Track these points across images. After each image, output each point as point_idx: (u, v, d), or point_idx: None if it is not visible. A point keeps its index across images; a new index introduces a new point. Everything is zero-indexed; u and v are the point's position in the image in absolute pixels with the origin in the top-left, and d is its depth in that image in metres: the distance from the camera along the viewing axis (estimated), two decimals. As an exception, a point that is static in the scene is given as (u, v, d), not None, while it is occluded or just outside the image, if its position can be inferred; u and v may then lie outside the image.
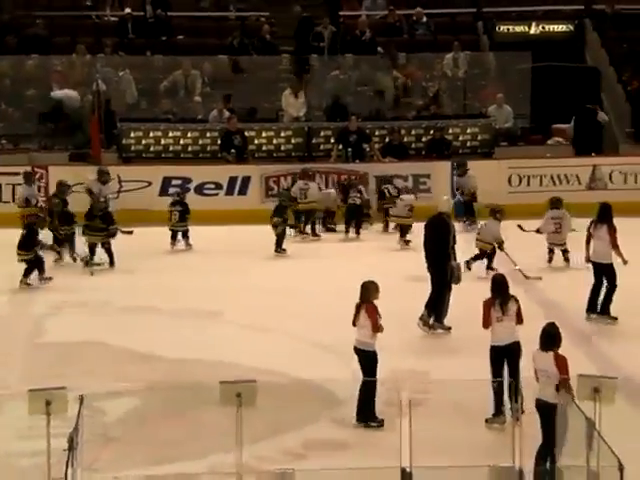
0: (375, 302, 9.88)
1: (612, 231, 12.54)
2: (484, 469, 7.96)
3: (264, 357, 11.12)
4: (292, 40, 21.78)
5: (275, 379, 10.35)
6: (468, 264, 14.44)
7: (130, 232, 15.90)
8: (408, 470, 7.83)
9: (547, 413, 8.20)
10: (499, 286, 9.66)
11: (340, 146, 19.32)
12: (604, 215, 12.69)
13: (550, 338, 8.40)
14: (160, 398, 10.16)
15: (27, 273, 14.20)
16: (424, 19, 22.21)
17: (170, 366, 11.11)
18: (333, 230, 17.80)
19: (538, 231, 15.44)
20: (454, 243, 12.24)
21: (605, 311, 12.45)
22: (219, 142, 19.33)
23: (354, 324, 9.86)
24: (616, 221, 17.37)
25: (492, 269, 14.38)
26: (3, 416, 9.82)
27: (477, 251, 14.90)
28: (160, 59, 21.00)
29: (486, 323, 9.64)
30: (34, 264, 14.26)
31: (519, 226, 15.47)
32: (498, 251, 14.76)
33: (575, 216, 17.20)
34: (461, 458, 8.52)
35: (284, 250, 16.14)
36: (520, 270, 14.17)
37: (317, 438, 9.27)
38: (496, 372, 9.39)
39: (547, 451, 8.17)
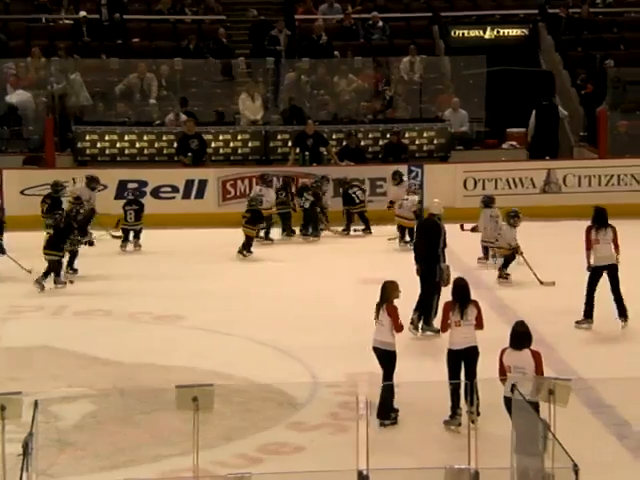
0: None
1: (616, 233, 12.57)
2: (440, 471, 7.99)
3: (221, 361, 11.09)
4: (248, 43, 21.76)
5: (232, 383, 10.32)
6: (502, 274, 14.50)
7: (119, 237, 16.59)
8: (365, 473, 7.84)
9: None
10: (460, 290, 9.69)
11: (297, 150, 19.34)
12: (605, 219, 12.68)
13: (524, 336, 8.63)
14: (116, 403, 10.11)
15: (46, 275, 14.17)
16: (380, 23, 22.29)
17: (126, 370, 11.04)
18: (292, 234, 17.75)
19: (474, 229, 15.73)
20: (444, 245, 12.24)
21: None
22: (175, 145, 19.27)
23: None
24: (570, 224, 17.71)
25: (505, 276, 14.49)
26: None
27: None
28: (115, 62, 20.88)
29: (444, 327, 9.69)
30: (56, 266, 14.23)
31: (461, 226, 15.74)
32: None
33: (530, 219, 17.43)
34: (418, 460, 8.56)
35: (251, 252, 16.20)
36: (535, 275, 14.19)
37: (274, 442, 9.25)
38: (452, 375, 9.43)
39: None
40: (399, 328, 9.67)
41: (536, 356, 8.56)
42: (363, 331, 12.16)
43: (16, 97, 19.99)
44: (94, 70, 20.69)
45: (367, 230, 17.85)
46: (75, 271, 14.96)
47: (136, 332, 12.50)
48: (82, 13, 21.62)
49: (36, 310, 13.32)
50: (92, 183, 17.01)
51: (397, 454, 8.64)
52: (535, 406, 8.21)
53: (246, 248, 16.19)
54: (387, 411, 9.27)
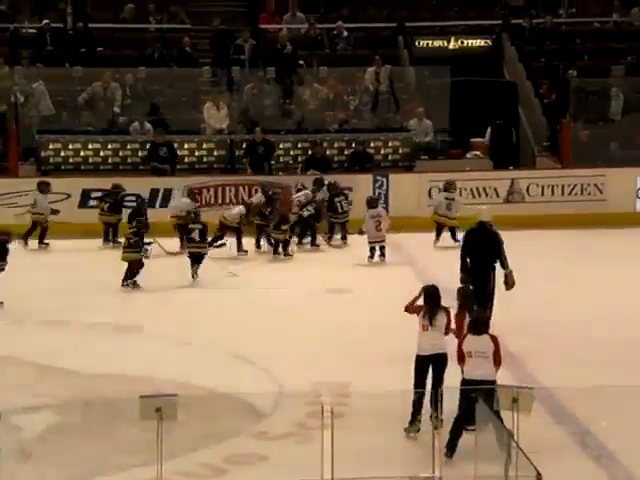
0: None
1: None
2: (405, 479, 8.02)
3: (183, 370, 11.04)
4: (212, 52, 21.75)
5: (195, 392, 10.28)
6: None
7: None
8: (330, 482, 7.85)
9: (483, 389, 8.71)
10: (430, 297, 9.74)
11: (248, 159, 19.33)
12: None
13: (483, 323, 9.29)
14: (78, 413, 10.04)
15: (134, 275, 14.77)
16: (345, 33, 22.35)
17: (88, 381, 10.97)
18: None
19: (361, 232, 16.48)
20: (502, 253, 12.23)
21: None
22: (144, 154, 19.19)
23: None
24: (533, 234, 17.86)
25: None
26: None
27: None
28: (79, 70, 20.77)
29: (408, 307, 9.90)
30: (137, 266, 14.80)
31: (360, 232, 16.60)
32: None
33: (499, 229, 17.54)
34: (382, 469, 8.57)
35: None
36: None
37: (238, 452, 9.22)
38: (418, 381, 9.45)
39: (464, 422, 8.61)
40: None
41: (495, 340, 9.07)
42: (328, 340, 12.27)
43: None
44: (58, 79, 20.56)
45: (344, 240, 17.84)
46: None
47: (97, 342, 12.43)
48: (46, 21, 21.49)
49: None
50: (41, 187, 17.37)
51: (362, 463, 8.64)
52: (492, 383, 8.40)
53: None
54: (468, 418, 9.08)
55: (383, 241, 16.55)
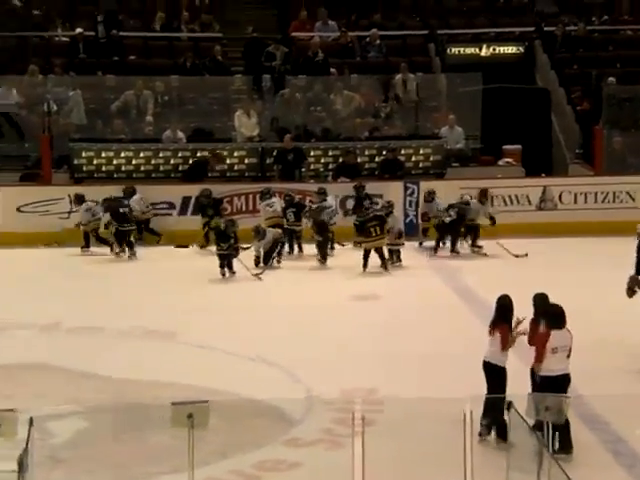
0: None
1: None
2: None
3: (214, 377, 11.05)
4: (244, 61, 21.82)
5: (226, 399, 10.29)
6: None
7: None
8: (360, 489, 7.82)
9: (562, 383, 8.94)
10: (498, 306, 9.61)
11: (280, 166, 19.36)
12: None
13: (563, 315, 9.21)
14: (110, 420, 10.07)
15: (230, 266, 15.76)
16: (377, 41, 22.34)
17: (119, 387, 11.01)
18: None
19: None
20: None
21: None
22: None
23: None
24: (566, 241, 17.78)
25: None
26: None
27: None
28: (112, 79, 20.90)
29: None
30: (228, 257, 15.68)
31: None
32: None
33: (526, 236, 17.47)
34: (414, 477, 8.52)
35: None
36: None
37: (269, 459, 9.21)
38: (489, 388, 9.37)
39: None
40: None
41: (570, 333, 9.18)
42: (357, 346, 12.25)
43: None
44: (90, 87, 20.70)
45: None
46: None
47: (129, 348, 12.47)
48: (78, 30, 21.65)
49: (28, 327, 13.25)
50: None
51: (393, 472, 8.61)
52: (540, 424, 8.24)
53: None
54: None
55: (398, 245, 16.65)
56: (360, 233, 16.91)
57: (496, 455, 8.75)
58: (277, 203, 17.65)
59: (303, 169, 19.52)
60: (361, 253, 16.49)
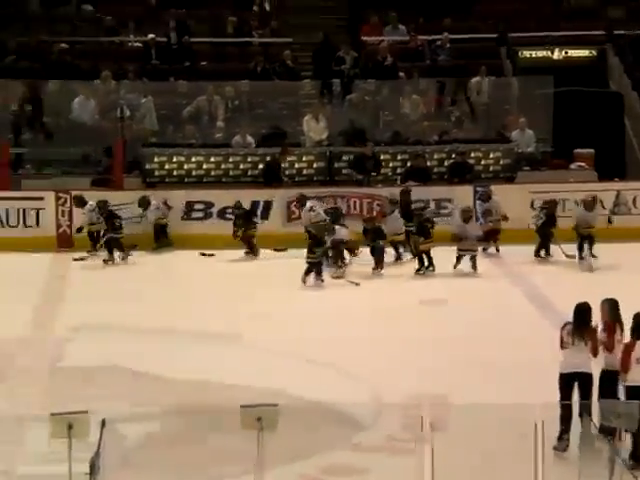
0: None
1: None
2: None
3: (282, 381, 11.09)
4: (313, 65, 21.87)
5: (294, 403, 10.31)
6: None
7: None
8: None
9: None
10: (579, 314, 9.50)
11: (357, 172, 19.40)
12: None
13: None
14: (180, 422, 10.16)
15: (308, 272, 15.69)
16: (448, 45, 22.25)
17: (190, 389, 11.10)
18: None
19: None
20: None
21: None
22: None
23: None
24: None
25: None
26: (24, 440, 9.82)
27: None
28: (183, 85, 21.10)
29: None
30: (316, 265, 15.69)
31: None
32: None
33: (599, 241, 17.24)
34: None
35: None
36: None
37: (337, 463, 9.22)
38: (563, 398, 9.27)
39: None
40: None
41: None
42: (425, 352, 12.20)
43: (77, 104, 20.18)
44: (162, 93, 20.92)
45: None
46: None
47: (199, 351, 12.56)
48: (151, 36, 21.89)
49: (101, 330, 13.42)
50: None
51: (461, 478, 8.55)
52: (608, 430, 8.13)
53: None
54: None
55: (474, 251, 16.47)
56: (420, 234, 16.79)
57: (567, 463, 8.65)
58: (319, 208, 17.64)
59: (373, 174, 19.47)
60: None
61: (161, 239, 18.21)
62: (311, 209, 17.50)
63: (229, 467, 8.99)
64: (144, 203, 18.10)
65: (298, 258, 16.28)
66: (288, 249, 17.62)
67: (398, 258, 17.20)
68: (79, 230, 17.92)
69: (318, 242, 16.04)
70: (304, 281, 15.73)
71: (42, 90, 20.62)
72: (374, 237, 16.76)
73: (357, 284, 15.77)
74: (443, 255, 16.48)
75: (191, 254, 17.60)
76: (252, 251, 17.70)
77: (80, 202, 17.93)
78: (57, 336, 13.30)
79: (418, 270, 16.52)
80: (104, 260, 17.29)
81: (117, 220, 17.55)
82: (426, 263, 16.54)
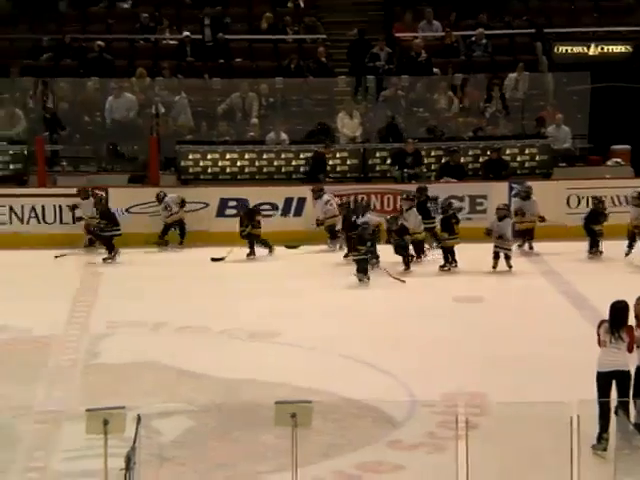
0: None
1: None
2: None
3: (316, 377, 11.10)
4: (348, 62, 21.85)
5: (328, 399, 10.31)
6: None
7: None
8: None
9: None
10: (615, 312, 9.42)
11: (396, 168, 19.39)
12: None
13: None
14: (215, 418, 10.19)
15: (360, 270, 15.63)
16: (483, 40, 22.15)
17: (223, 386, 11.14)
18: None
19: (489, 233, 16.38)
20: None
21: None
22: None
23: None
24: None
25: None
26: (60, 436, 9.89)
27: None
28: (218, 82, 21.14)
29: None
30: (361, 262, 15.69)
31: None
32: None
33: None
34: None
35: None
36: None
37: (372, 460, 9.21)
38: (601, 397, 9.18)
39: None
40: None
41: None
42: (460, 349, 12.15)
43: (120, 102, 20.29)
44: (197, 90, 20.98)
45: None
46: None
47: (233, 348, 12.61)
48: (186, 33, 21.95)
49: (136, 326, 13.50)
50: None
51: (497, 475, 8.51)
52: None
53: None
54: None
55: (508, 249, 16.36)
56: (444, 230, 16.70)
57: (603, 460, 8.59)
58: (333, 201, 17.90)
59: (415, 169, 19.39)
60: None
61: (163, 237, 18.24)
62: (328, 202, 17.69)
63: (263, 463, 9.01)
64: (159, 199, 18.22)
65: (328, 253, 16.60)
66: (300, 246, 17.70)
67: (418, 256, 17.02)
68: (75, 211, 18.04)
69: (362, 240, 15.97)
70: (360, 279, 15.66)
71: (78, 87, 20.74)
72: (399, 235, 16.62)
73: (403, 281, 15.68)
74: (477, 253, 16.38)
75: (224, 251, 17.62)
76: (253, 252, 17.49)
77: (83, 194, 18.00)
78: (92, 333, 13.37)
79: (442, 266, 16.49)
80: (104, 259, 17.36)
81: (113, 218, 17.58)
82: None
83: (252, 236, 17.60)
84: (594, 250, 17.24)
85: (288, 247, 17.77)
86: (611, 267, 16.59)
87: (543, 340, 12.50)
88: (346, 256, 16.90)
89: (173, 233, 18.36)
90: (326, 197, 17.94)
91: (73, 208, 18.14)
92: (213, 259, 17.17)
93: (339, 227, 17.73)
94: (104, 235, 17.52)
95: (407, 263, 16.47)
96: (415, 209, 17.12)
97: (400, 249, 16.50)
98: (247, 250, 17.49)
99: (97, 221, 17.62)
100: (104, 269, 16.94)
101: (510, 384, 10.85)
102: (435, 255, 16.91)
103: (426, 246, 17.12)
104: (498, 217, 16.67)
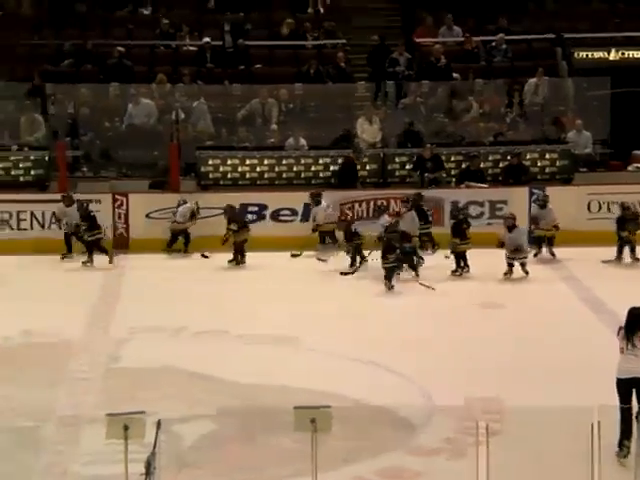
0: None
1: None
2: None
3: (336, 382, 11.10)
4: (367, 67, 21.85)
5: (348, 405, 10.31)
6: None
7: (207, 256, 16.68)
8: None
9: None
10: (631, 318, 9.38)
11: (417, 173, 19.39)
12: None
13: None
14: (234, 423, 10.20)
15: (387, 277, 15.56)
16: (503, 45, 22.11)
17: (243, 391, 11.15)
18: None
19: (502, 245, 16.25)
20: None
21: None
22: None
23: None
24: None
25: None
26: (81, 441, 9.92)
27: None
28: (238, 88, 21.18)
29: None
30: (390, 270, 15.62)
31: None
32: None
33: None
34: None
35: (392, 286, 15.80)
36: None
37: (392, 466, 9.20)
38: (621, 404, 9.18)
39: None
40: None
41: None
42: (479, 354, 12.13)
43: (139, 109, 20.37)
44: (217, 96, 21.03)
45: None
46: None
47: (253, 353, 12.61)
48: (206, 39, 22.01)
49: (156, 331, 13.53)
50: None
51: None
52: None
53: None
54: None
55: (524, 257, 16.27)
56: (455, 235, 16.68)
57: (623, 466, 8.55)
58: (332, 207, 17.92)
59: (435, 174, 19.36)
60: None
61: (172, 246, 18.19)
62: (328, 207, 17.74)
63: (283, 468, 9.01)
64: (179, 204, 18.30)
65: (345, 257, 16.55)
66: (302, 253, 17.59)
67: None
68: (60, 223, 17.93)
69: (391, 248, 15.92)
70: (388, 287, 15.59)
71: (99, 93, 20.83)
72: (401, 241, 16.40)
73: (433, 289, 15.55)
74: (495, 259, 16.33)
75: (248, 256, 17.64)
76: (236, 258, 17.37)
77: (68, 200, 17.87)
78: (113, 337, 13.42)
79: (454, 271, 16.47)
80: (83, 262, 17.29)
81: (94, 221, 17.50)
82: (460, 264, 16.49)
83: (239, 242, 17.43)
84: (618, 256, 17.13)
85: (293, 256, 17.70)
86: (632, 272, 16.51)
87: (562, 344, 12.46)
88: (345, 273, 16.62)
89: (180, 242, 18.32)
90: (325, 203, 17.92)
91: (57, 220, 18.01)
92: (203, 255, 17.40)
93: (339, 235, 17.62)
94: (88, 240, 17.46)
95: (415, 268, 16.41)
96: (413, 212, 17.15)
97: (407, 256, 16.42)
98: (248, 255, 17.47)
99: (84, 227, 17.57)
100: (125, 274, 16.99)
101: (529, 389, 10.82)
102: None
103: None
104: (507, 227, 16.57)
